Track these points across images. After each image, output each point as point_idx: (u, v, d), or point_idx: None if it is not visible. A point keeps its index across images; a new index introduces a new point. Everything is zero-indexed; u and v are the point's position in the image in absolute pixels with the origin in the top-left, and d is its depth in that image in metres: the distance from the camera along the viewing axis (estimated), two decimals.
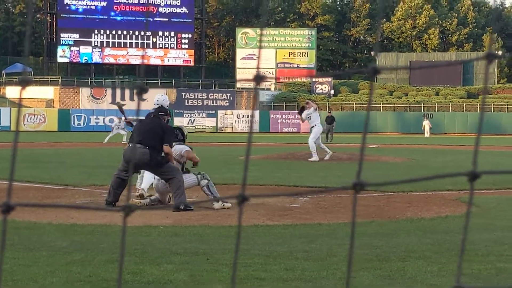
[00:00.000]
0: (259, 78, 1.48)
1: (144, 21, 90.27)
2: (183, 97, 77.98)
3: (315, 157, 25.97)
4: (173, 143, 12.95)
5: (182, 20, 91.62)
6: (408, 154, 31.57)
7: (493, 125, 73.22)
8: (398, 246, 8.86)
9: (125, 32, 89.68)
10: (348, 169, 21.17)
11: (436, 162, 26.58)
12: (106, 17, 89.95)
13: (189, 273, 7.10)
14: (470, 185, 1.45)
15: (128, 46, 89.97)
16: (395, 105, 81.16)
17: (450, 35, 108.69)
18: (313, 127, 26.25)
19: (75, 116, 72.86)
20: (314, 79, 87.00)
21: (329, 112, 57.45)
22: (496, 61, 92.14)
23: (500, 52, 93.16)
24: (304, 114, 26.16)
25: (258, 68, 1.45)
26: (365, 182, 1.45)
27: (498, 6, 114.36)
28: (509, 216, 11.82)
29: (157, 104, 13.11)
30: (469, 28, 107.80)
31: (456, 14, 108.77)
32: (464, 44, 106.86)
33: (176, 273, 7.09)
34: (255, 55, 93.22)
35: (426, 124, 66.38)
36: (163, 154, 12.28)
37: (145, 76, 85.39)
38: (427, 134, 64.35)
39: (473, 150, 1.49)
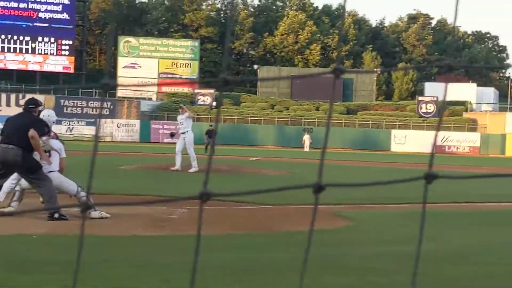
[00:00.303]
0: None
1: (24, 25, 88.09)
2: (62, 104, 76.51)
3: (194, 168, 25.92)
4: (47, 137, 12.44)
5: (63, 26, 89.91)
6: (287, 168, 31.99)
7: (371, 142, 75.27)
8: (273, 258, 8.97)
9: (3, 37, 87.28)
10: (226, 181, 21.27)
11: (313, 176, 27.01)
12: None
13: (60, 283, 6.97)
14: (314, 197, 1.51)
15: (6, 50, 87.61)
16: (276, 119, 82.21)
17: (331, 51, 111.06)
18: (184, 133, 25.89)
19: None
20: (196, 90, 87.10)
21: (210, 126, 57.65)
22: (375, 78, 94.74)
23: (378, 69, 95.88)
24: (178, 118, 26.09)
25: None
26: (211, 192, 1.49)
27: (377, 25, 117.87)
28: (382, 231, 12.15)
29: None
30: (350, 45, 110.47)
31: (337, 31, 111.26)
32: (345, 61, 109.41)
33: (47, 283, 6.95)
34: (137, 64, 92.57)
35: (307, 138, 67.54)
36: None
37: (23, 82, 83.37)
38: (307, 149, 65.44)
39: (319, 163, 1.55)
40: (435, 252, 9.89)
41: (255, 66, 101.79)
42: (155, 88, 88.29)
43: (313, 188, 1.55)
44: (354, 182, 1.70)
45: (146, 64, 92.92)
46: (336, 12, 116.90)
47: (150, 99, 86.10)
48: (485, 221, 13.98)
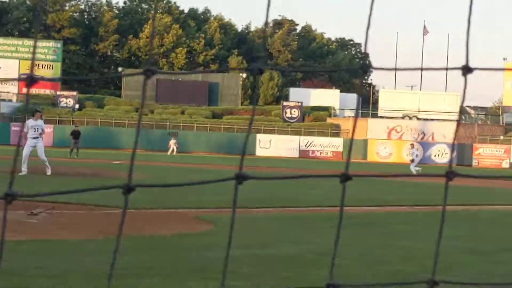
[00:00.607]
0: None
1: None
2: None
3: (48, 171, 25.42)
4: None
5: None
6: (151, 172, 31.79)
7: (236, 146, 75.84)
8: (134, 263, 8.89)
9: None
10: (90, 185, 20.91)
11: (177, 180, 27.00)
12: None
13: None
14: (124, 198, 1.51)
15: None
16: (141, 122, 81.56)
17: (197, 55, 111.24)
18: (36, 138, 25.21)
19: None
20: (58, 92, 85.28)
21: (76, 127, 56.65)
22: (240, 82, 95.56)
23: (244, 75, 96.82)
24: (33, 123, 25.33)
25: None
26: (16, 192, 1.47)
27: (243, 29, 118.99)
28: (245, 234, 12.26)
29: None
30: (216, 49, 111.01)
31: (203, 35, 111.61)
32: (210, 65, 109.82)
33: None
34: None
35: (172, 143, 67.45)
36: None
37: None
38: (174, 152, 65.36)
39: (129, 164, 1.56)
40: (300, 255, 10.08)
41: (120, 69, 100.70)
42: (15, 89, 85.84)
43: (123, 188, 1.55)
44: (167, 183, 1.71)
45: (6, 65, 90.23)
46: (202, 16, 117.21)
47: (10, 100, 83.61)
48: (347, 222, 14.35)
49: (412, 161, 45.22)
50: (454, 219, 16.65)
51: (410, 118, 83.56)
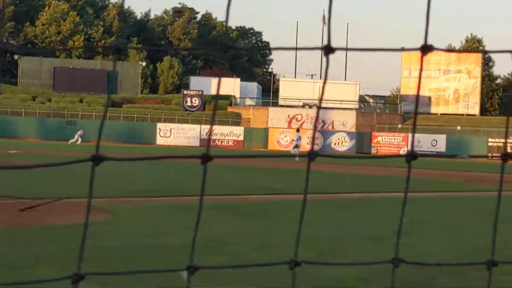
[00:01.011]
0: None
1: None
2: None
3: None
4: None
5: None
6: (50, 161, 31.31)
7: (136, 135, 75.31)
8: (28, 253, 8.85)
9: None
10: None
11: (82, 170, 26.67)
12: None
13: None
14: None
15: None
16: (38, 111, 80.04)
17: (95, 43, 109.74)
18: None
19: None
20: None
21: None
22: (140, 71, 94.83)
23: (144, 63, 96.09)
24: None
25: None
26: None
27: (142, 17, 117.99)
28: (141, 224, 12.30)
29: None
30: (115, 37, 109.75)
31: (102, 23, 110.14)
32: (109, 53, 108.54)
33: None
34: None
35: (78, 134, 67.50)
36: None
37: None
38: (77, 142, 65.19)
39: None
40: (197, 243, 10.20)
41: (16, 57, 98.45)
42: None
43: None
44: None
45: None
46: (100, 3, 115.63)
47: None
48: (242, 211, 14.55)
49: (296, 146, 47.10)
50: (355, 206, 17.11)
51: (310, 107, 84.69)
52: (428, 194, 21.75)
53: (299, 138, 48.86)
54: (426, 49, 1.85)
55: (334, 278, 8.08)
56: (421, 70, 2.05)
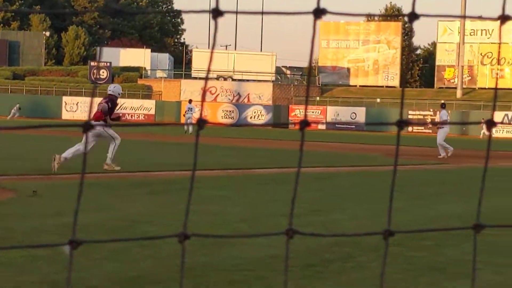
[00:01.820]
0: None
1: None
2: None
3: None
4: None
5: None
6: None
7: (40, 109, 74.15)
8: None
9: None
10: None
11: None
12: None
13: None
14: None
15: None
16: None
17: None
18: None
19: None
20: None
21: None
22: (44, 41, 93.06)
23: (48, 33, 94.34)
24: None
25: None
26: None
27: None
28: (51, 203, 12.14)
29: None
30: (16, 5, 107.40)
31: None
32: (11, 22, 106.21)
33: None
34: None
35: (15, 109, 67.15)
36: None
37: None
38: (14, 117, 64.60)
39: None
40: (106, 222, 10.16)
41: None
42: None
43: None
44: None
45: None
46: None
47: None
48: (151, 190, 14.52)
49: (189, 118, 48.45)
50: (270, 182, 17.26)
51: (225, 79, 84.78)
52: (348, 168, 22.10)
53: (190, 110, 49.27)
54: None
55: (241, 258, 8.16)
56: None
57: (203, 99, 1.86)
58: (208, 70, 1.88)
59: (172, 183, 15.59)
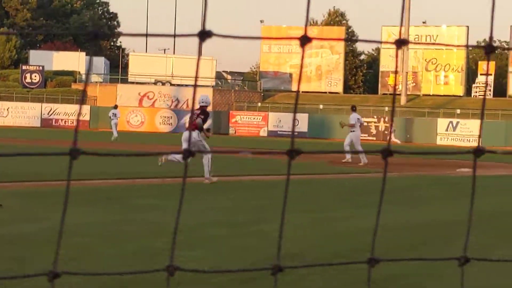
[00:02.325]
0: None
1: None
2: None
3: None
4: None
5: None
6: None
7: None
8: None
9: None
10: None
11: None
12: None
13: None
14: None
15: None
16: None
17: None
18: None
19: None
20: None
21: None
22: None
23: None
24: None
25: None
26: None
27: None
28: None
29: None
30: None
31: None
32: None
33: None
34: None
35: None
36: None
37: None
38: None
39: None
40: (37, 233, 9.97)
41: None
42: None
43: None
44: None
45: None
46: None
47: None
48: (87, 198, 14.33)
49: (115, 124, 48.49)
50: (212, 190, 17.18)
51: (163, 84, 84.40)
52: (292, 176, 22.07)
53: (115, 115, 49.20)
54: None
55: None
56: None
57: (190, 125, 1.76)
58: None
59: (99, 192, 15.41)
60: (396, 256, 9.42)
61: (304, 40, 1.76)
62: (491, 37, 2.00)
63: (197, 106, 19.90)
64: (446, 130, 72.55)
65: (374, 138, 71.09)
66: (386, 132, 73.75)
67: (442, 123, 72.94)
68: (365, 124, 74.99)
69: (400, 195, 18.21)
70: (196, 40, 1.90)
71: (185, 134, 20.38)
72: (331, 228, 11.67)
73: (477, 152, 2.04)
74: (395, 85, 2.32)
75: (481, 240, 11.23)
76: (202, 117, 19.75)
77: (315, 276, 8.09)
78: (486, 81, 79.24)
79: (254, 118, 78.69)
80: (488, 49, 2.00)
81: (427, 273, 8.27)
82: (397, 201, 16.78)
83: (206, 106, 20.46)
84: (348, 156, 29.46)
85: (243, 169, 23.19)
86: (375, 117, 75.26)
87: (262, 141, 52.27)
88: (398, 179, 24.10)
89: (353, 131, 30.09)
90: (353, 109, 31.21)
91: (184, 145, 19.17)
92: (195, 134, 19.51)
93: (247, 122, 78.68)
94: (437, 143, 70.52)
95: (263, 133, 76.45)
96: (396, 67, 2.30)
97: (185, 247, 9.77)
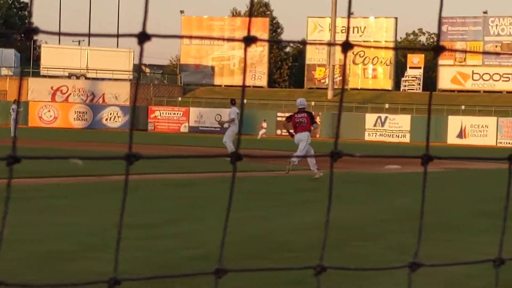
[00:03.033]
0: None
1: None
2: None
3: None
4: None
5: None
6: None
7: None
8: None
9: None
10: None
11: None
12: None
13: None
14: None
15: None
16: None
17: None
18: None
19: None
20: None
21: None
22: None
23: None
24: None
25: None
26: None
27: None
28: None
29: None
30: None
31: None
32: None
33: None
34: None
35: None
36: None
37: None
38: None
39: None
40: None
41: None
42: None
43: None
44: None
45: None
46: None
47: None
48: None
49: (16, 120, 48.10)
50: (123, 189, 16.96)
51: (78, 78, 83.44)
52: (210, 174, 22.03)
53: (13, 110, 48.58)
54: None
55: (90, 273, 7.94)
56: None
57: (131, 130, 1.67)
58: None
59: (3, 192, 15.10)
60: (316, 256, 9.40)
61: (248, 41, 1.68)
62: (438, 37, 1.98)
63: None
64: (374, 125, 73.36)
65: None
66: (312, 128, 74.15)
67: (370, 118, 73.72)
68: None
69: (326, 193, 18.24)
70: (113, 31, 1.76)
71: (301, 135, 23.70)
72: (249, 229, 11.61)
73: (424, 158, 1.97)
74: (344, 80, 2.24)
75: (404, 240, 11.31)
76: (309, 118, 24.09)
77: (226, 277, 8.01)
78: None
79: (174, 114, 78.39)
80: (437, 50, 2.01)
81: (345, 274, 8.27)
82: (321, 199, 16.83)
83: (305, 108, 24.85)
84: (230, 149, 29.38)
85: (154, 166, 23.02)
86: None
87: (183, 137, 52.05)
88: (324, 176, 24.21)
89: (231, 126, 30.25)
90: (232, 102, 31.08)
91: (301, 145, 23.28)
92: (307, 135, 23.59)
93: (167, 118, 78.33)
94: (365, 139, 71.25)
95: (184, 129, 76.24)
96: (344, 65, 2.24)
97: (98, 249, 9.60)
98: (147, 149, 35.81)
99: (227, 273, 1.90)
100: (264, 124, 71.23)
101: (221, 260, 1.84)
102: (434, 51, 2.06)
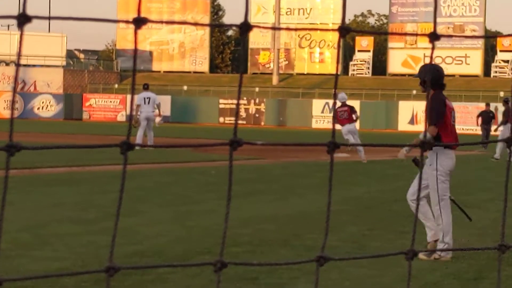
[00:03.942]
0: None
1: None
2: None
3: None
4: None
5: None
6: None
7: None
8: None
9: None
10: None
11: None
12: None
13: None
14: None
15: None
16: None
17: None
18: None
19: None
20: None
21: None
22: None
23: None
24: None
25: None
26: None
27: None
28: None
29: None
30: None
31: None
32: None
33: None
34: None
35: None
36: None
37: None
38: None
39: None
40: None
41: None
42: None
43: None
44: None
45: None
46: None
47: None
48: None
49: None
50: (59, 183, 16.89)
51: (7, 64, 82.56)
52: (151, 165, 22.00)
53: None
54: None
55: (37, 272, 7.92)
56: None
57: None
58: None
59: None
60: (266, 250, 9.48)
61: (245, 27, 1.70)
62: (435, 26, 2.03)
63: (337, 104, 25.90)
64: (322, 112, 73.48)
65: (245, 122, 71.45)
66: (257, 115, 74.28)
67: (317, 104, 73.81)
68: (235, 106, 75.31)
69: (275, 184, 18.40)
70: (45, 14, 1.77)
71: (348, 127, 26.78)
72: (194, 223, 11.65)
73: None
74: (337, 71, 2.28)
75: (360, 231, 11.44)
76: (349, 111, 26.88)
77: (175, 275, 8.05)
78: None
79: (110, 102, 77.90)
80: (433, 38, 2.06)
81: (297, 268, 8.35)
82: (269, 191, 16.94)
83: (345, 101, 27.42)
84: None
85: (90, 158, 22.92)
86: (245, 98, 75.75)
87: (119, 126, 51.79)
88: (272, 166, 24.35)
89: (142, 113, 29.75)
90: (145, 87, 30.81)
91: (350, 137, 26.34)
92: (354, 125, 27.21)
93: (103, 106, 77.83)
94: (312, 127, 71.46)
95: (121, 117, 75.80)
96: (338, 54, 2.27)
97: (33, 247, 9.57)
98: (78, 139, 35.67)
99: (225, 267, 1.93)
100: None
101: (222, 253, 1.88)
102: (429, 37, 2.11)
